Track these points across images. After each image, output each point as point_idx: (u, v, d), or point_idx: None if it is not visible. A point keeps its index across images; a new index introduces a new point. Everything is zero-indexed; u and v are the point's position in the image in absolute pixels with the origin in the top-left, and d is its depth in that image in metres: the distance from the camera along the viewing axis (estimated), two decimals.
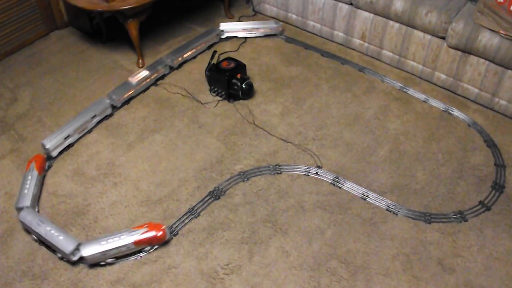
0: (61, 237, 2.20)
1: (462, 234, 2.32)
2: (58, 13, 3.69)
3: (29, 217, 2.29)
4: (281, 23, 3.72)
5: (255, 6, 3.96)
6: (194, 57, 3.45)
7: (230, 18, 3.91)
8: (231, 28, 3.63)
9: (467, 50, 2.89)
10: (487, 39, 2.76)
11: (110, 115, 2.98)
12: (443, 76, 3.11)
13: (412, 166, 2.66)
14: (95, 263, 2.21)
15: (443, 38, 2.99)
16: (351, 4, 3.32)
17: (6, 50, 3.47)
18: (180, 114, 3.00)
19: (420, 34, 3.08)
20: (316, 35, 3.69)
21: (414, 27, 3.08)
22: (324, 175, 2.61)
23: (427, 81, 3.22)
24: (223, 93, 3.10)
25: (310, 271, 2.18)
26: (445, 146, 2.77)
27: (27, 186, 2.45)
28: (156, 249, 2.27)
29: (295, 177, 2.60)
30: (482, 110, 3.00)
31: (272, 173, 2.63)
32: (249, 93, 3.08)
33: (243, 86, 3.01)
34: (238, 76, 3.02)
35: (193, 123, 2.93)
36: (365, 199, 2.48)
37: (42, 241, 2.29)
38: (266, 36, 3.69)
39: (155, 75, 3.22)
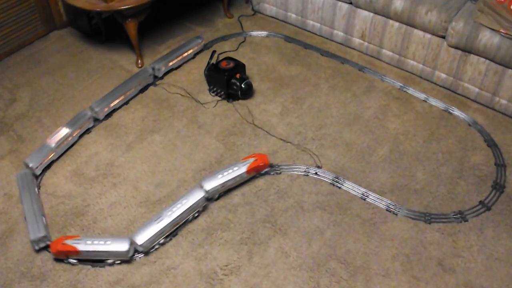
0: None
1: (462, 234, 2.32)
2: (57, 13, 3.68)
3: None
4: (203, 38, 3.52)
5: (255, 5, 3.95)
6: (120, 107, 3.08)
7: (229, 17, 3.91)
8: (161, 64, 3.24)
9: (467, 49, 2.88)
10: (487, 38, 2.75)
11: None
12: (443, 76, 3.10)
13: (412, 166, 2.65)
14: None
15: (443, 37, 2.98)
16: (350, 3, 3.31)
17: (5, 50, 3.46)
18: (179, 114, 2.99)
19: (420, 33, 3.07)
20: (316, 34, 3.68)
21: (414, 26, 3.07)
22: (324, 175, 2.60)
23: (427, 80, 3.21)
24: (222, 93, 3.09)
25: (309, 271, 2.17)
26: (445, 145, 2.77)
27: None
28: (156, 249, 2.27)
29: (295, 177, 2.60)
30: (482, 110, 2.99)
31: (272, 173, 2.62)
32: (248, 93, 3.07)
33: (242, 86, 3.00)
34: (237, 76, 3.01)
35: (192, 123, 2.93)
36: (364, 199, 2.48)
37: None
38: (267, 36, 3.68)
39: (78, 131, 2.82)
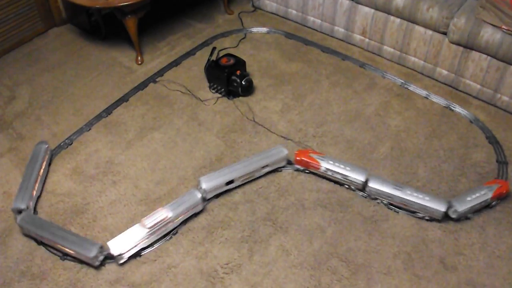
0: None
1: (464, 232, 2.31)
2: (56, 10, 3.66)
3: None
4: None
5: (255, 2, 3.93)
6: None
7: (230, 14, 3.89)
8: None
9: (469, 45, 2.86)
10: (489, 35, 2.73)
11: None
12: (444, 72, 3.09)
13: (414, 163, 2.64)
14: None
15: (445, 33, 2.96)
16: None
17: (4, 47, 3.45)
18: (179, 112, 2.98)
19: (422, 29, 3.05)
20: (316, 30, 3.67)
21: (415, 22, 3.05)
22: None
23: (429, 77, 3.20)
24: (222, 90, 3.08)
25: (310, 270, 2.16)
26: (447, 142, 2.75)
27: None
28: (155, 248, 2.26)
29: (295, 174, 2.58)
30: (484, 106, 2.98)
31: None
32: (248, 90, 3.06)
33: (243, 82, 2.99)
34: (238, 72, 3.00)
35: (193, 121, 2.91)
36: (366, 197, 2.47)
37: None
38: (268, 33, 3.67)
39: None
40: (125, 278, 2.14)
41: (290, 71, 3.28)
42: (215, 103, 3.05)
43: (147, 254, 2.24)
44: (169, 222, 2.28)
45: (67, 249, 2.19)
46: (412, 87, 3.12)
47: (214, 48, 3.34)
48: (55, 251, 2.25)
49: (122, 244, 2.18)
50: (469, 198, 2.34)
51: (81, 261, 2.20)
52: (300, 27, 3.72)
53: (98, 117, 2.95)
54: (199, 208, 2.39)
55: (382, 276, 2.14)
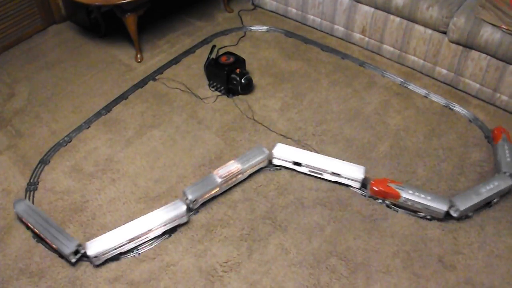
0: None
1: (463, 231, 2.31)
2: (56, 7, 3.66)
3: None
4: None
5: (255, 0, 3.93)
6: None
7: (229, 12, 3.88)
8: None
9: (468, 45, 2.86)
10: (488, 34, 2.73)
11: None
12: (444, 71, 3.09)
13: (413, 162, 2.64)
14: None
15: (444, 32, 2.96)
16: None
17: (3, 44, 3.44)
18: (179, 110, 2.97)
19: (421, 28, 3.05)
20: (316, 29, 3.66)
21: (415, 21, 3.05)
22: None
23: (428, 76, 3.20)
24: (222, 88, 3.07)
25: (309, 268, 2.16)
26: (446, 141, 2.75)
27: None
28: (154, 246, 2.26)
29: (295, 173, 2.58)
30: (483, 106, 2.98)
31: (272, 169, 2.61)
32: (248, 88, 3.05)
33: (242, 81, 2.99)
34: (237, 71, 3.00)
35: (192, 119, 2.91)
36: (365, 196, 2.47)
37: None
38: (267, 31, 3.67)
39: None
40: (124, 276, 2.14)
41: (290, 69, 3.28)
42: (214, 101, 3.05)
43: (146, 252, 2.23)
44: (239, 174, 2.45)
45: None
46: (412, 86, 3.12)
47: (213, 46, 3.34)
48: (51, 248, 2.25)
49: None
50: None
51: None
52: (300, 26, 3.72)
53: (97, 115, 2.95)
54: (265, 163, 2.58)
55: (381, 275, 2.14)
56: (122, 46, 3.52)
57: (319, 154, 2.59)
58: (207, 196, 2.41)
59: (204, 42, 3.55)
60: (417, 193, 2.35)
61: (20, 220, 2.35)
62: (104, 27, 3.61)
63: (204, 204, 2.43)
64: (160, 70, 3.29)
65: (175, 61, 3.37)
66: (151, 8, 3.36)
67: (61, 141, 2.79)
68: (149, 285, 2.11)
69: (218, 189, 2.43)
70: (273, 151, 2.57)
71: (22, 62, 3.38)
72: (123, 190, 2.51)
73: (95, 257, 2.15)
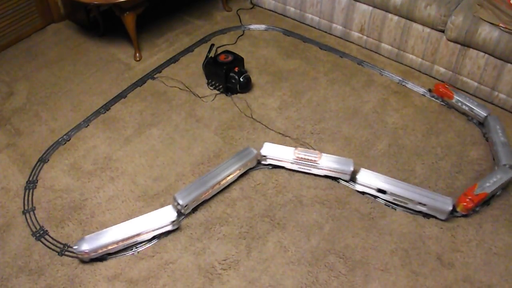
0: None
1: (461, 229, 2.31)
2: (55, 6, 3.66)
3: None
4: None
5: None
6: None
7: (228, 11, 3.89)
8: None
9: (466, 43, 2.87)
10: (486, 32, 2.74)
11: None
12: (442, 70, 3.09)
13: (411, 160, 2.65)
14: None
15: (442, 31, 2.97)
16: None
17: (2, 43, 3.44)
18: (178, 108, 2.98)
19: (419, 27, 3.06)
20: (315, 28, 3.67)
21: (413, 20, 3.06)
22: None
23: (426, 74, 3.20)
24: (220, 86, 3.08)
25: (308, 266, 2.17)
26: (444, 140, 2.76)
27: None
28: (153, 244, 2.26)
29: (293, 171, 2.59)
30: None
31: (270, 167, 2.61)
32: (247, 86, 3.06)
33: (241, 79, 2.99)
34: (236, 69, 3.00)
35: (191, 117, 2.92)
36: (363, 193, 2.47)
37: None
38: (266, 30, 3.67)
39: None
40: (123, 274, 2.15)
41: (288, 68, 3.29)
42: (213, 99, 3.05)
43: (145, 250, 2.24)
44: (315, 164, 2.48)
45: None
46: (410, 85, 3.12)
47: (212, 45, 3.34)
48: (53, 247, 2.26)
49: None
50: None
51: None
52: (298, 24, 3.72)
53: (96, 113, 2.95)
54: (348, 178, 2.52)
55: (379, 272, 2.15)
56: (121, 45, 3.52)
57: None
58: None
59: (203, 41, 3.55)
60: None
61: None
62: (103, 26, 3.61)
63: (203, 202, 2.43)
64: (159, 68, 3.29)
65: (174, 59, 3.37)
66: (149, 7, 3.36)
67: (60, 140, 2.79)
68: (148, 283, 2.11)
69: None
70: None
71: (21, 61, 3.38)
72: (122, 188, 2.52)
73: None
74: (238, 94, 3.08)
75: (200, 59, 3.34)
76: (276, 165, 2.60)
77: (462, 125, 2.85)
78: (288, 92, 3.09)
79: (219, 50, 3.37)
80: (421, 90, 3.07)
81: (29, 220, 2.37)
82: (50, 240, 2.29)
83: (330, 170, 2.50)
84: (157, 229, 2.26)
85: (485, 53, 2.83)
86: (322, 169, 2.50)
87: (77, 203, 2.45)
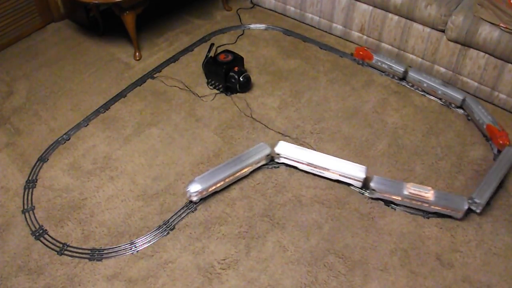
0: None
1: (461, 229, 2.31)
2: (55, 5, 3.66)
3: None
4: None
5: None
6: None
7: (228, 10, 3.88)
8: None
9: (466, 43, 2.86)
10: (487, 32, 2.74)
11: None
12: (442, 70, 3.09)
13: (411, 160, 2.64)
14: None
15: (443, 31, 2.96)
16: None
17: (2, 42, 3.44)
18: (177, 108, 2.98)
19: (420, 27, 3.05)
20: (315, 27, 3.67)
21: (413, 19, 3.05)
22: None
23: (426, 74, 3.19)
24: (220, 86, 3.08)
25: (307, 266, 2.17)
26: (444, 140, 2.76)
27: None
28: (152, 243, 2.26)
29: (293, 171, 2.59)
30: (481, 104, 2.98)
31: (270, 167, 2.61)
32: (246, 86, 3.05)
33: (241, 79, 2.99)
34: (236, 69, 3.00)
35: (190, 117, 2.91)
36: (363, 194, 2.47)
37: None
38: (266, 29, 3.67)
39: None
40: (122, 273, 2.15)
41: (288, 67, 3.28)
42: (213, 99, 3.05)
43: (144, 250, 2.24)
44: (425, 202, 2.35)
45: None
46: (410, 85, 3.12)
47: (212, 44, 3.34)
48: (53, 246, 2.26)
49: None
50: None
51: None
52: (298, 24, 3.72)
53: (96, 113, 2.95)
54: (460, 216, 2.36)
55: (378, 272, 2.14)
56: (120, 44, 3.52)
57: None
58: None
59: (203, 40, 3.55)
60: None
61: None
62: (102, 25, 3.61)
63: (202, 201, 2.43)
64: (159, 68, 3.29)
65: (174, 59, 3.37)
66: (149, 6, 3.36)
67: (59, 139, 2.79)
68: (147, 282, 2.11)
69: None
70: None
71: (21, 60, 3.38)
72: (121, 188, 2.51)
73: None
74: (238, 94, 3.07)
75: (200, 58, 3.34)
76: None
77: (462, 125, 2.85)
78: (288, 91, 3.09)
79: (219, 50, 3.36)
80: (421, 90, 3.07)
81: (28, 220, 2.37)
82: (50, 239, 2.29)
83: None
84: (255, 163, 2.52)
85: (486, 53, 2.83)
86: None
87: (76, 203, 2.45)
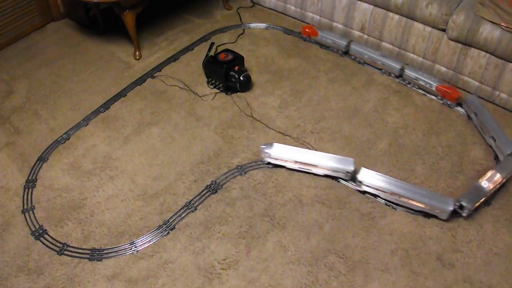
0: None
1: (462, 229, 2.31)
2: (54, 4, 3.65)
3: None
4: None
5: None
6: None
7: (228, 9, 3.88)
8: None
9: (467, 42, 2.86)
10: (488, 32, 2.73)
11: None
12: (443, 69, 3.08)
13: (412, 159, 2.64)
14: None
15: (444, 30, 2.96)
16: None
17: (1, 42, 3.43)
18: (177, 107, 2.97)
19: (420, 26, 3.05)
20: (315, 26, 3.65)
21: (414, 19, 3.05)
22: None
23: (427, 73, 3.19)
24: (220, 85, 3.07)
25: (308, 266, 2.16)
26: (445, 139, 2.75)
27: None
28: (152, 243, 2.26)
29: (293, 171, 2.58)
30: (482, 104, 2.97)
31: (270, 166, 2.60)
32: (247, 85, 3.05)
33: (241, 78, 2.98)
34: (236, 68, 2.99)
35: (190, 116, 2.91)
36: (363, 193, 2.46)
37: None
38: (266, 28, 3.66)
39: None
40: (122, 273, 2.14)
41: (289, 67, 3.28)
42: (213, 98, 3.04)
43: (144, 250, 2.23)
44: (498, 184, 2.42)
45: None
46: (411, 84, 3.11)
47: (212, 44, 3.34)
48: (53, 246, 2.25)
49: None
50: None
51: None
52: (299, 23, 3.71)
53: (96, 112, 2.95)
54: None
55: (379, 272, 2.14)
56: (120, 43, 3.51)
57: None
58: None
59: (203, 40, 3.54)
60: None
61: None
62: (102, 25, 3.60)
63: (202, 201, 2.43)
64: (159, 67, 3.28)
65: (174, 58, 3.37)
66: (149, 5, 3.35)
67: (59, 139, 2.78)
68: (147, 282, 2.11)
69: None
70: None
71: (21, 59, 3.37)
72: (121, 188, 2.51)
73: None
74: (238, 93, 3.07)
75: (200, 57, 3.33)
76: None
77: (463, 125, 2.84)
78: (288, 91, 3.08)
79: (219, 49, 3.36)
80: (422, 90, 3.06)
81: (28, 219, 2.37)
82: (50, 239, 2.28)
83: (328, 169, 2.50)
84: (332, 170, 2.50)
85: (487, 52, 2.82)
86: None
87: (76, 202, 2.44)
